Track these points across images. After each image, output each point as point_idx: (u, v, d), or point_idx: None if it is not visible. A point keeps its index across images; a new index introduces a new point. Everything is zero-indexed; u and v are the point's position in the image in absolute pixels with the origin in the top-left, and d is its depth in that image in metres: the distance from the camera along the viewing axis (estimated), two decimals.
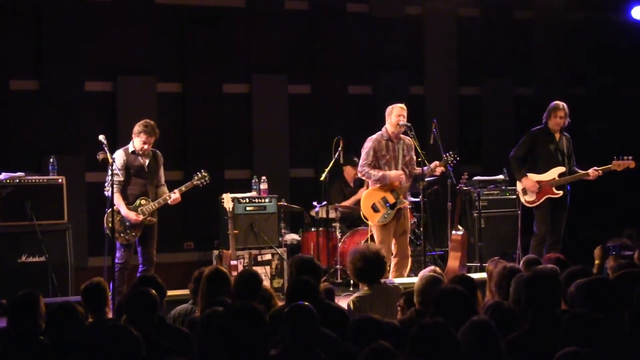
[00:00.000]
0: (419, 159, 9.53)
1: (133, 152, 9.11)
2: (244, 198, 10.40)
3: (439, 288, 5.38)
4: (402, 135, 9.58)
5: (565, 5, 13.56)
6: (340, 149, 10.44)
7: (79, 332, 5.16)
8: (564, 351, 4.03)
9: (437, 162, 9.53)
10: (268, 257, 10.39)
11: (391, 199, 9.48)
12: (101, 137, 8.56)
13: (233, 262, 9.70)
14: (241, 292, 5.93)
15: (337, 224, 10.96)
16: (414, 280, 6.32)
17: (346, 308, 6.55)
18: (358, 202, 10.39)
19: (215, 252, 10.38)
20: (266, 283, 9.49)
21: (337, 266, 10.76)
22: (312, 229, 11.05)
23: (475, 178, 11.60)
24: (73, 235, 9.69)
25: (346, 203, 11.31)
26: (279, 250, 10.43)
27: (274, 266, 10.38)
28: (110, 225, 8.66)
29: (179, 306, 6.66)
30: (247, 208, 10.39)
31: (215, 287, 6.14)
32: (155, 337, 5.04)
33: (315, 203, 10.95)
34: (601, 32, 13.58)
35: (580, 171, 10.09)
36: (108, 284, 6.42)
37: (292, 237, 11.35)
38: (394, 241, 9.45)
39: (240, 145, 12.18)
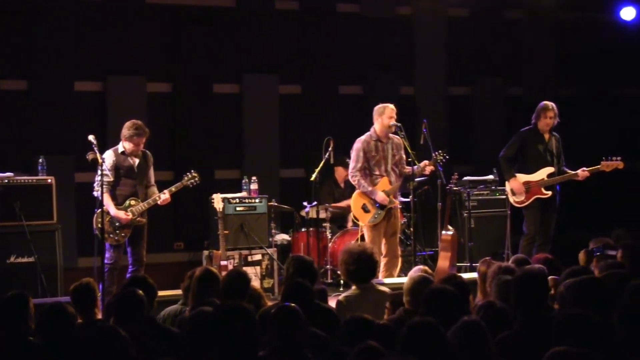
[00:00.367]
0: (409, 159, 9.53)
1: (122, 152, 9.09)
2: (234, 198, 10.40)
3: (429, 288, 5.38)
4: (391, 135, 9.58)
5: (555, 6, 13.58)
6: (330, 149, 10.44)
7: (69, 333, 5.15)
8: (553, 350, 4.04)
9: (426, 161, 9.53)
10: (258, 257, 10.39)
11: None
12: (91, 137, 8.53)
13: (223, 263, 9.69)
14: (229, 292, 5.93)
15: (327, 224, 10.97)
16: (404, 280, 6.32)
17: (334, 307, 6.56)
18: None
19: (206, 253, 10.38)
20: (256, 283, 9.53)
21: (328, 266, 10.78)
22: (303, 229, 11.06)
23: (465, 178, 11.62)
24: (62, 236, 9.65)
25: (339, 205, 11.31)
26: (269, 251, 10.43)
27: (264, 266, 10.39)
28: (99, 225, 8.64)
29: (169, 307, 6.65)
30: (238, 208, 10.39)
31: (205, 288, 6.13)
32: (143, 337, 5.03)
33: (305, 203, 10.95)
34: (590, 32, 13.62)
35: (569, 171, 10.11)
36: (97, 284, 6.41)
37: (282, 237, 11.35)
38: (384, 241, 9.45)
39: (230, 146, 12.17)
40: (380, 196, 9.37)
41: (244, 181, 10.74)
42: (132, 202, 9.06)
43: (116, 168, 9.05)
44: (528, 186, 10.07)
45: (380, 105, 9.57)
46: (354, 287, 6.73)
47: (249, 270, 10.13)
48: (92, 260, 9.18)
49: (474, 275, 7.54)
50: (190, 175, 9.34)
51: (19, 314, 5.34)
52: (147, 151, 9.28)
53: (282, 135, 12.36)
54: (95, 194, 8.85)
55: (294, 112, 12.42)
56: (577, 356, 3.99)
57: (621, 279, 5.71)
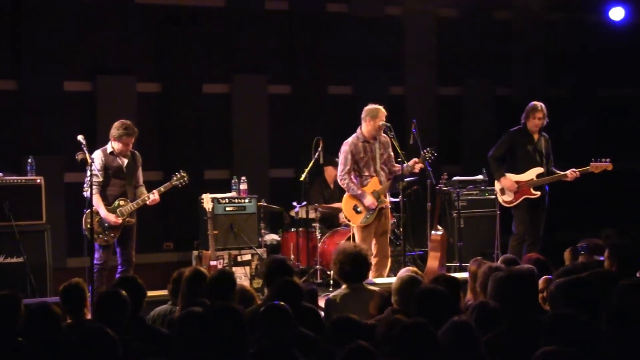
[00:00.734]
0: (399, 160, 9.51)
1: (111, 152, 9.08)
2: (223, 198, 10.39)
3: (419, 288, 5.39)
4: None
5: (544, 6, 13.61)
6: (320, 149, 10.44)
7: (56, 333, 5.13)
8: (542, 350, 4.05)
9: (415, 159, 9.51)
10: (248, 257, 10.39)
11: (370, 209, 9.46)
12: (80, 137, 8.52)
13: (213, 263, 9.68)
14: (216, 293, 5.91)
15: (316, 225, 10.97)
16: (394, 280, 6.33)
17: (324, 306, 6.57)
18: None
19: (195, 253, 10.37)
20: (246, 283, 9.54)
21: (317, 266, 10.78)
22: (292, 230, 11.06)
23: (454, 178, 11.63)
24: (52, 236, 9.63)
25: (328, 205, 11.31)
26: (259, 251, 10.43)
27: (253, 266, 10.38)
28: (89, 226, 8.62)
29: (159, 307, 6.65)
30: (227, 208, 10.38)
31: (195, 288, 6.13)
32: (126, 337, 5.01)
33: (295, 203, 10.95)
34: (579, 33, 13.65)
35: (558, 172, 10.12)
36: (87, 284, 6.40)
37: (271, 237, 11.35)
38: (374, 241, 9.45)
39: (219, 146, 12.16)
40: (369, 200, 9.34)
41: (233, 181, 10.73)
42: (122, 203, 9.05)
43: (105, 168, 9.03)
44: (517, 186, 10.09)
45: (374, 107, 9.45)
46: (344, 286, 6.74)
47: (239, 270, 10.17)
48: (82, 261, 9.18)
49: (464, 275, 7.55)
50: (179, 175, 9.33)
51: (9, 314, 5.32)
52: (136, 151, 9.27)
53: (272, 135, 12.35)
54: (84, 194, 8.83)
55: (284, 112, 12.42)
56: (566, 356, 4.01)
57: (610, 278, 5.73)
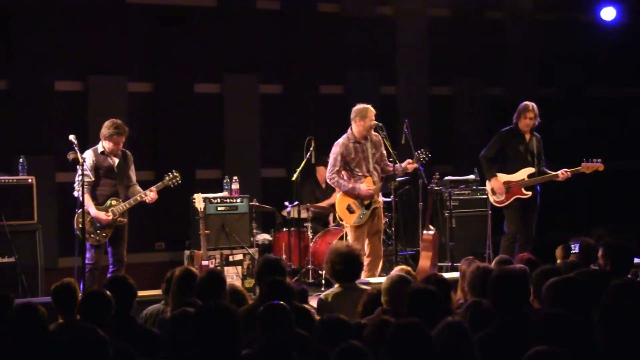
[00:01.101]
0: (391, 159, 9.51)
1: (102, 152, 9.06)
2: (215, 198, 10.38)
3: (411, 288, 5.38)
4: None
5: (535, 6, 13.63)
6: (311, 149, 10.44)
7: (41, 333, 5.10)
8: (534, 350, 4.05)
9: (409, 160, 9.51)
10: (240, 257, 10.38)
11: (366, 199, 9.46)
12: (71, 137, 8.52)
13: (204, 263, 9.66)
14: (205, 293, 5.89)
15: (308, 224, 10.97)
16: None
17: (316, 305, 6.57)
18: (333, 204, 10.36)
19: (187, 253, 10.36)
20: (237, 283, 9.53)
21: (309, 266, 10.78)
22: (284, 229, 11.06)
23: (446, 178, 11.64)
24: (43, 236, 9.62)
25: (320, 205, 11.32)
26: (251, 251, 10.42)
27: (245, 266, 10.38)
28: (80, 226, 8.61)
29: (150, 306, 6.64)
30: (219, 208, 10.37)
31: (186, 288, 6.12)
32: (111, 337, 4.99)
33: (286, 203, 10.95)
34: (571, 33, 13.68)
35: (549, 172, 10.12)
36: (78, 284, 6.39)
37: (263, 237, 11.35)
38: (367, 241, 9.44)
39: (211, 145, 12.15)
40: (364, 187, 9.32)
41: (225, 181, 10.73)
42: (114, 202, 9.03)
43: (96, 168, 9.01)
44: (508, 186, 10.09)
45: (362, 107, 9.43)
46: (336, 286, 6.74)
47: (231, 270, 10.17)
48: (73, 261, 9.13)
49: (455, 274, 7.55)
50: (171, 175, 9.32)
51: (1, 314, 5.30)
52: (127, 151, 9.25)
53: (263, 135, 12.34)
54: (75, 194, 8.81)
55: (275, 112, 12.41)
56: (557, 356, 4.01)
57: (601, 278, 5.74)
